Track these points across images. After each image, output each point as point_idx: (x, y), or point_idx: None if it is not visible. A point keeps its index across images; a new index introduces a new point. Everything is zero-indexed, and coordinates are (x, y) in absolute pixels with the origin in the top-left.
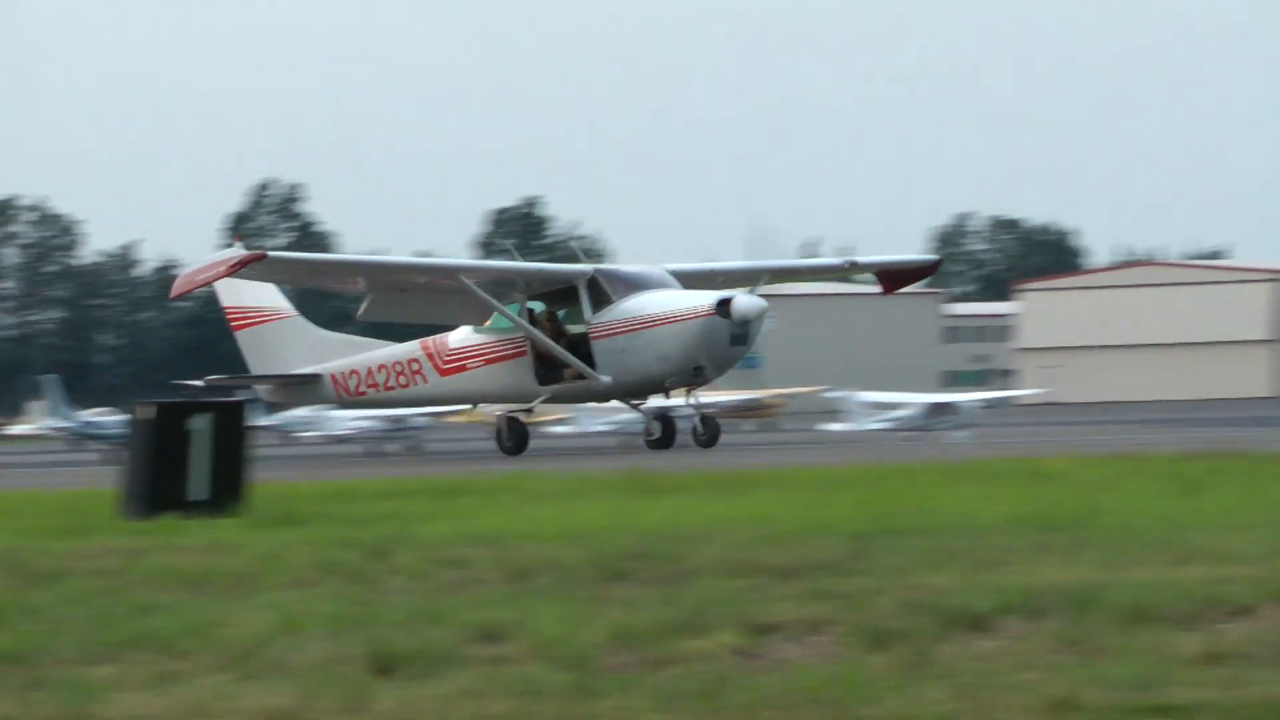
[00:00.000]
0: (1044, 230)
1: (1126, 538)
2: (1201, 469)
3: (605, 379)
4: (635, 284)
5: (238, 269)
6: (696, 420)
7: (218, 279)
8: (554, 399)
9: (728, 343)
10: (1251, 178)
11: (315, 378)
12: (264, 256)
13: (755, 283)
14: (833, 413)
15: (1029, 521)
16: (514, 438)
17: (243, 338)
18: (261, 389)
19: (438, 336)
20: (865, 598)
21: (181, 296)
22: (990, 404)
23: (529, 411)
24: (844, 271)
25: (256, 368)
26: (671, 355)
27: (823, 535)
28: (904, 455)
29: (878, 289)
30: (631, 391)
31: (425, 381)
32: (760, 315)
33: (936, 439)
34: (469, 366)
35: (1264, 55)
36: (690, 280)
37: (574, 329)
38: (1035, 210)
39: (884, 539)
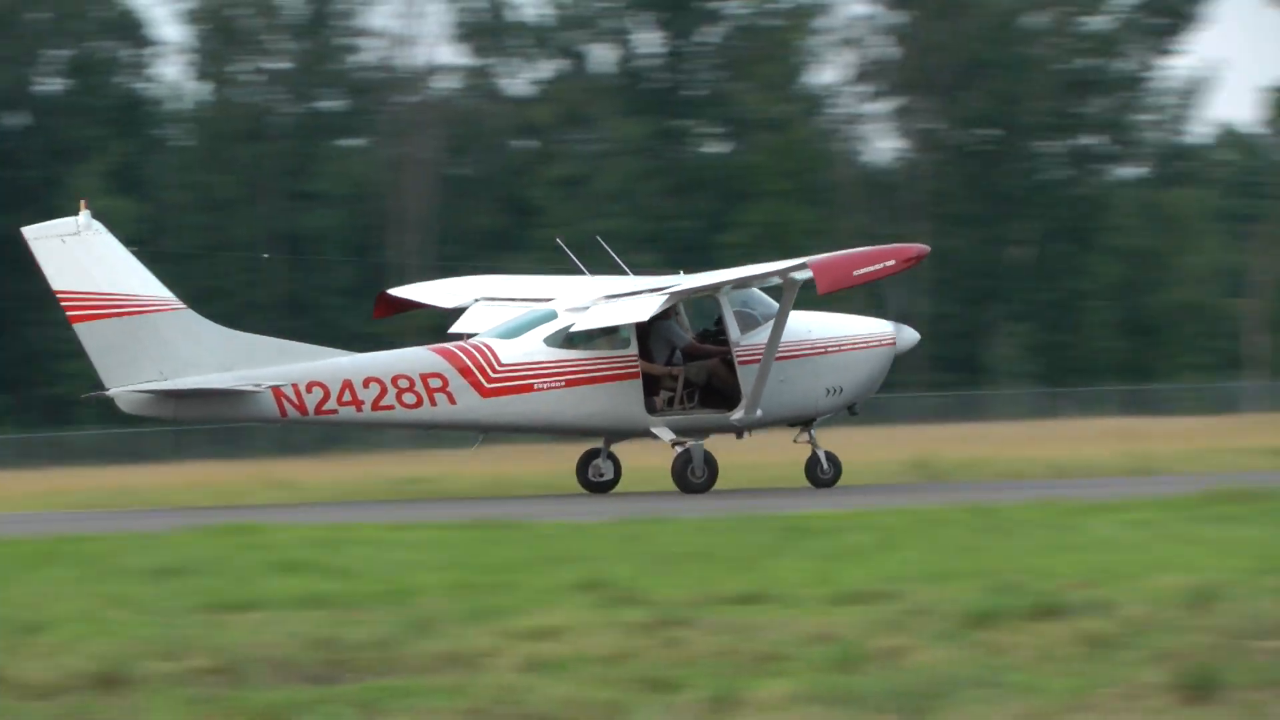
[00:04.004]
0: None
1: None
2: None
3: (757, 412)
4: (768, 302)
5: (912, 265)
6: (822, 456)
7: (886, 275)
8: (671, 431)
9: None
10: None
11: (238, 390)
12: (927, 252)
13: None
14: None
15: None
16: (708, 472)
17: (90, 331)
18: (131, 401)
19: (468, 346)
20: None
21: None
22: None
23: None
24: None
25: (116, 372)
26: (846, 388)
27: None
28: None
29: None
30: (770, 426)
31: (453, 402)
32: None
33: None
34: (538, 387)
35: None
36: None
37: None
38: None
39: None
